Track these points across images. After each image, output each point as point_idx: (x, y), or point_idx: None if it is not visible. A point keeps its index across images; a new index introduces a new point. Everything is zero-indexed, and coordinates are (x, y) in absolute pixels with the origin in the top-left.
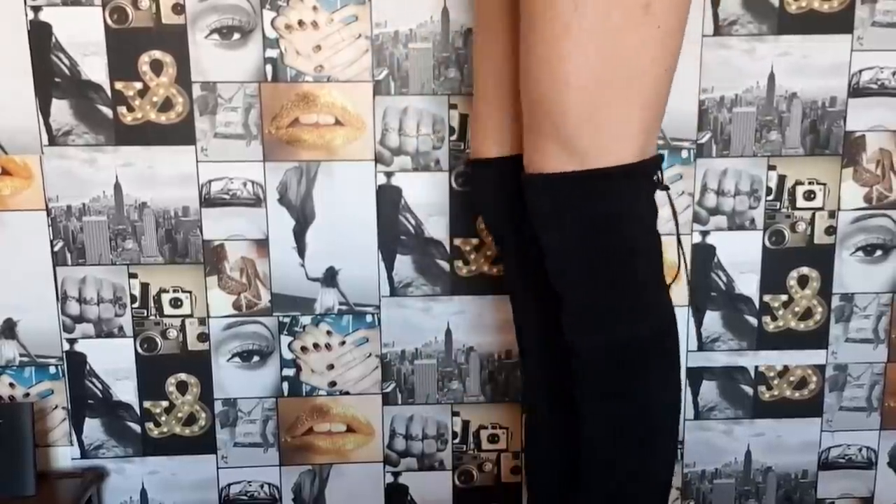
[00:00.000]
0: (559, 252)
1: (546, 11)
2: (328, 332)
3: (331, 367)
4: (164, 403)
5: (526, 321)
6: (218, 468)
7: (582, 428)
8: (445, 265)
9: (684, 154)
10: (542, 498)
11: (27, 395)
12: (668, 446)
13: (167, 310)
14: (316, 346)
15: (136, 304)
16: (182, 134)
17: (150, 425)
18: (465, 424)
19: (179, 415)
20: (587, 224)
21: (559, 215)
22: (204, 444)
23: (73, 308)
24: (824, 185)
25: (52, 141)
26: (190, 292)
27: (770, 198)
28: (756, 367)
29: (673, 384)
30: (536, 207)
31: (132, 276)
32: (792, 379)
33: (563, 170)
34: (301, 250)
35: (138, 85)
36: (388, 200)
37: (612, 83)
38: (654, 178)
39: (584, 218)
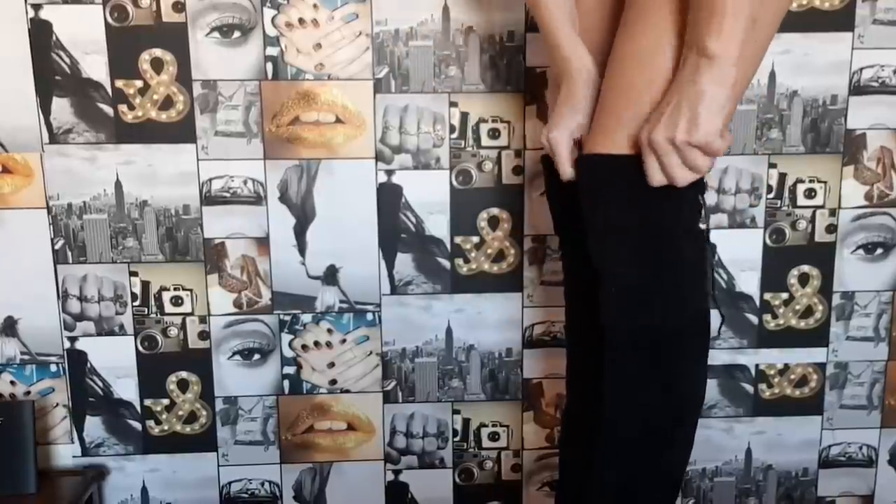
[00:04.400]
0: (604, 230)
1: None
2: (329, 331)
3: (331, 365)
4: (165, 401)
5: (573, 314)
6: (219, 466)
7: (606, 413)
8: (446, 263)
9: None
10: (563, 480)
11: (28, 393)
12: (687, 440)
13: (168, 308)
14: (317, 344)
15: (136, 302)
16: (183, 132)
17: (150, 423)
18: (466, 422)
19: (180, 413)
20: (635, 204)
21: (612, 195)
22: (205, 441)
23: (74, 306)
24: (825, 183)
25: (53, 139)
26: (191, 290)
27: (771, 196)
28: (756, 366)
29: (700, 377)
30: (589, 185)
31: (133, 274)
32: (792, 377)
33: (629, 152)
34: (302, 248)
35: (139, 83)
36: (389, 198)
37: None
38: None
39: (638, 198)
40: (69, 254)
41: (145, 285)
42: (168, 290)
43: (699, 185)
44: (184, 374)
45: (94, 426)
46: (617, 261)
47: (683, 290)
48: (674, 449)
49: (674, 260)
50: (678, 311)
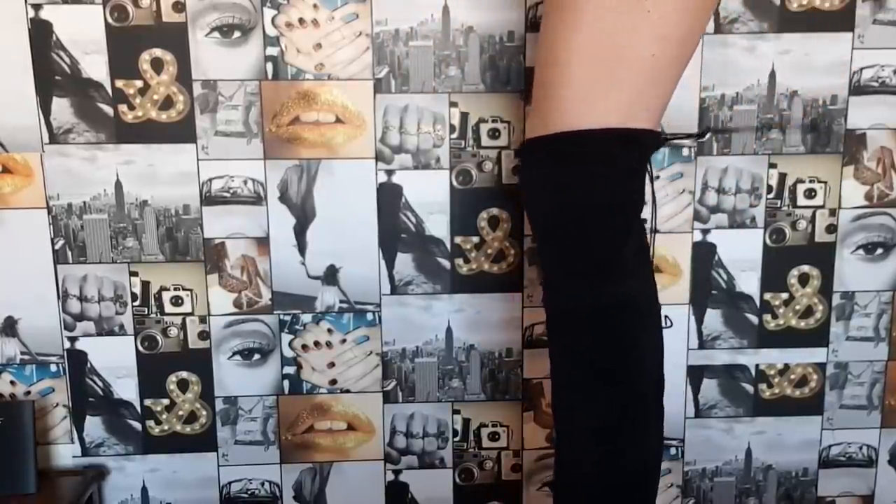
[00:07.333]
0: (532, 216)
1: None
2: (329, 330)
3: (331, 365)
4: (165, 401)
5: None
6: (219, 466)
7: (560, 400)
8: (446, 263)
9: (685, 152)
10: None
11: (28, 393)
12: (642, 435)
13: (168, 308)
14: (317, 343)
15: (136, 302)
16: (183, 132)
17: (150, 423)
18: (466, 422)
19: (180, 413)
20: (552, 187)
21: (529, 179)
22: (205, 441)
23: (74, 306)
24: (825, 183)
25: (53, 139)
26: (191, 290)
27: (771, 196)
28: (757, 366)
29: (650, 356)
30: (520, 174)
31: (133, 274)
32: (792, 377)
33: (536, 135)
34: (302, 248)
35: (139, 83)
36: (389, 198)
37: (595, 60)
38: (623, 150)
39: (548, 181)
40: (69, 254)
41: (145, 285)
42: (168, 290)
43: (620, 158)
44: (184, 374)
45: (94, 426)
46: (546, 245)
47: (613, 267)
48: (634, 441)
49: (600, 239)
50: (610, 290)
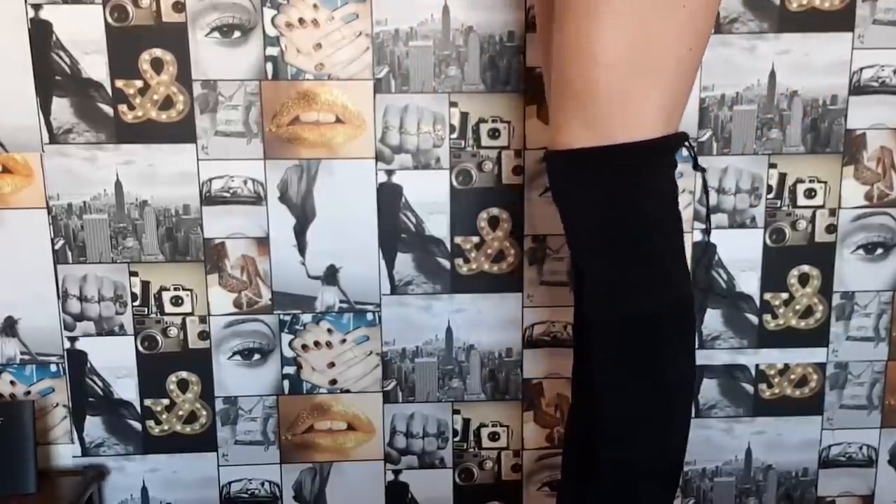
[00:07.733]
0: (577, 226)
1: None
2: (329, 330)
3: (331, 365)
4: (165, 401)
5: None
6: (219, 466)
7: (597, 404)
8: (446, 263)
9: (685, 152)
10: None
11: (28, 393)
12: (682, 427)
13: (168, 308)
14: (317, 343)
15: (136, 303)
16: (183, 132)
17: (150, 423)
18: (466, 422)
19: (180, 413)
20: (602, 198)
21: (576, 191)
22: (205, 441)
23: (74, 306)
24: (825, 183)
25: (53, 139)
26: (191, 290)
27: (771, 196)
28: (757, 366)
29: (687, 363)
30: (556, 183)
31: (133, 274)
32: (792, 377)
33: (583, 146)
34: (302, 248)
35: (139, 83)
36: (389, 198)
37: (637, 61)
38: (673, 155)
39: (599, 193)
40: (69, 254)
41: (145, 285)
42: (168, 290)
43: (669, 163)
44: (184, 374)
45: (94, 426)
46: (590, 253)
47: (660, 275)
48: (669, 437)
49: (648, 248)
50: (657, 298)
